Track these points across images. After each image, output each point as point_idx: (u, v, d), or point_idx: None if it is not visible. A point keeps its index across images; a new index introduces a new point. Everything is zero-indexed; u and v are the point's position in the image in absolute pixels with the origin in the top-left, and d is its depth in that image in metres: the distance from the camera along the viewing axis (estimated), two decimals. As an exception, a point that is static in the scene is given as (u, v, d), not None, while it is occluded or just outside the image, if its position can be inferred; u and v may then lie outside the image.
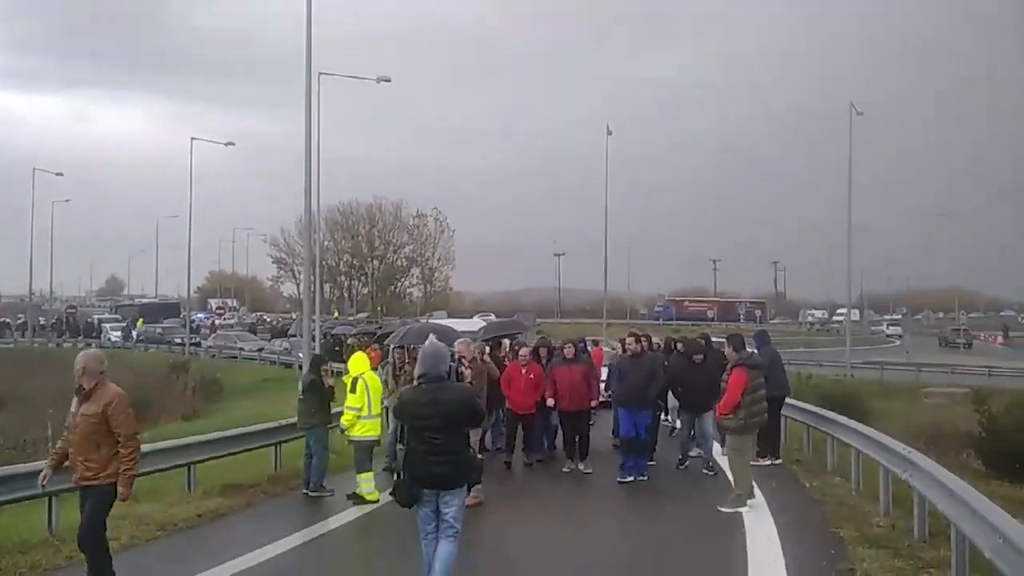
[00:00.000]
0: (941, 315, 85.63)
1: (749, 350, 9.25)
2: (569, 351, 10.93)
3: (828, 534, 7.60)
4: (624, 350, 11.65)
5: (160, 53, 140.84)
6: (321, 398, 9.78)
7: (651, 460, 10.84)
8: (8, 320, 62.23)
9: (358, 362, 9.35)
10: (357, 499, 8.84)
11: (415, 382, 5.36)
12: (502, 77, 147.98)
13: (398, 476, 5.39)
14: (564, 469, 10.74)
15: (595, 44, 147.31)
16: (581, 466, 10.70)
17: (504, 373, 11.34)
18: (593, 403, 10.95)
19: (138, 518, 7.98)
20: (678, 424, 12.48)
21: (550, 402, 10.81)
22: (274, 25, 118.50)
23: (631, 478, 9.97)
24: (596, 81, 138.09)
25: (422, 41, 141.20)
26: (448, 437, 5.21)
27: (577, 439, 10.80)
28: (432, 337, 6.34)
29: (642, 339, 11.16)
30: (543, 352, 11.74)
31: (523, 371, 11.14)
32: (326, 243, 62.92)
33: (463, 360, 11.90)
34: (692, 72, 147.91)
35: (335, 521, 7.97)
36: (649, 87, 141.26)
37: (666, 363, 11.76)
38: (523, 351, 11.79)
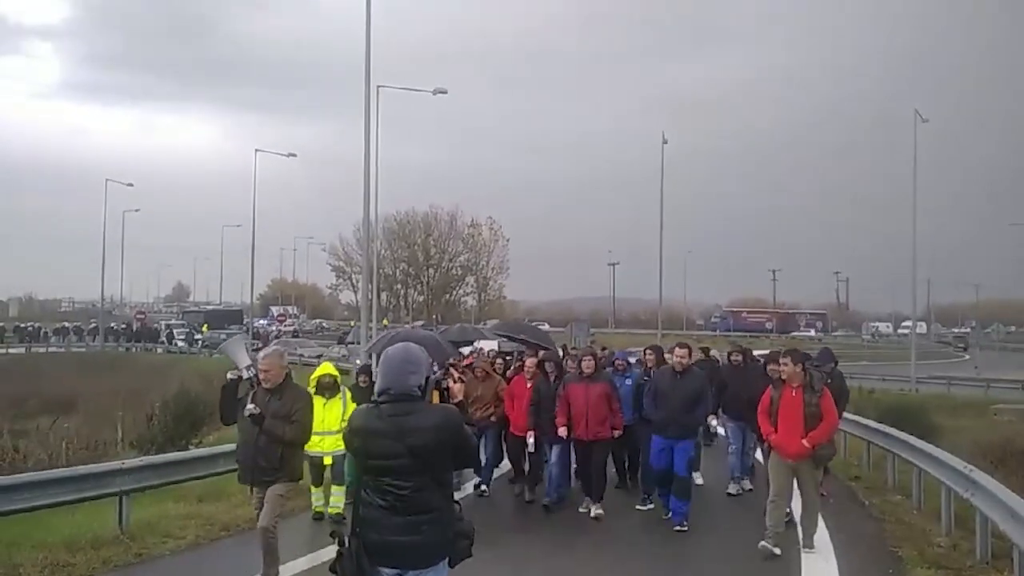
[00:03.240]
0: (1012, 328, 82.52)
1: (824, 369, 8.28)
2: (588, 364, 8.92)
3: (887, 553, 7.47)
4: (646, 363, 9.74)
5: (224, 66, 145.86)
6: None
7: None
8: (81, 325, 64.75)
9: (322, 370, 9.21)
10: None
11: (375, 399, 3.68)
12: (555, 85, 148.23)
13: (341, 543, 3.60)
14: (581, 509, 9.00)
15: (652, 48, 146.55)
16: (593, 508, 8.85)
17: (507, 389, 9.86)
18: (616, 432, 8.97)
19: (204, 518, 8.31)
20: (720, 431, 10.99)
21: (561, 431, 8.85)
22: (334, 38, 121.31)
23: (686, 527, 8.20)
24: (653, 86, 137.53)
25: (475, 51, 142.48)
26: (419, 486, 3.49)
27: (592, 474, 8.91)
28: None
29: (692, 352, 9.22)
30: (550, 367, 9.74)
31: (528, 386, 9.48)
32: (383, 252, 64.03)
33: (452, 371, 9.84)
34: (752, 77, 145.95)
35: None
36: (706, 92, 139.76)
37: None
38: (529, 362, 9.84)
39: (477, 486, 9.95)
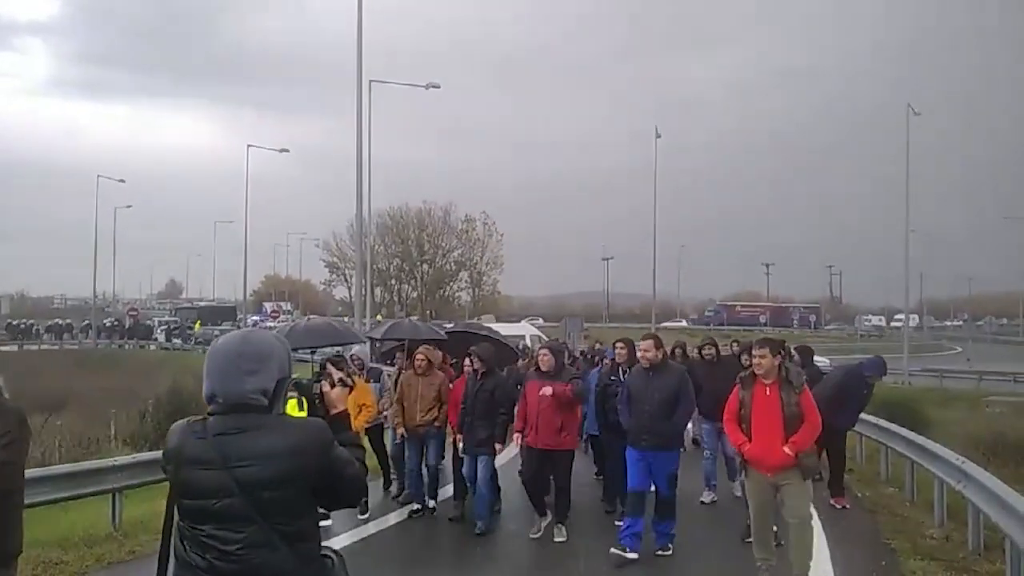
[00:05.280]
0: (1004, 321, 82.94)
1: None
2: (546, 360, 7.45)
3: (880, 545, 7.48)
4: (616, 359, 8.13)
5: (217, 62, 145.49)
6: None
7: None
8: (73, 322, 64.54)
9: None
10: None
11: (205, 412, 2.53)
12: (551, 81, 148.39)
13: None
14: (532, 534, 7.57)
15: (647, 47, 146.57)
16: (555, 530, 7.48)
17: (451, 396, 8.41)
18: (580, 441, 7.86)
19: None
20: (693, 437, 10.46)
21: (515, 439, 7.59)
22: (328, 35, 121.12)
23: (634, 555, 6.67)
24: (648, 82, 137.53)
25: (470, 48, 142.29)
26: (256, 540, 2.33)
27: (543, 490, 7.63)
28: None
29: (662, 346, 7.31)
30: (476, 363, 7.98)
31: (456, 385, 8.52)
32: (376, 247, 63.87)
33: (330, 369, 7.69)
34: (746, 73, 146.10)
35: (377, 525, 8.12)
36: (701, 90, 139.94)
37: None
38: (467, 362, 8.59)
39: (421, 508, 8.55)
